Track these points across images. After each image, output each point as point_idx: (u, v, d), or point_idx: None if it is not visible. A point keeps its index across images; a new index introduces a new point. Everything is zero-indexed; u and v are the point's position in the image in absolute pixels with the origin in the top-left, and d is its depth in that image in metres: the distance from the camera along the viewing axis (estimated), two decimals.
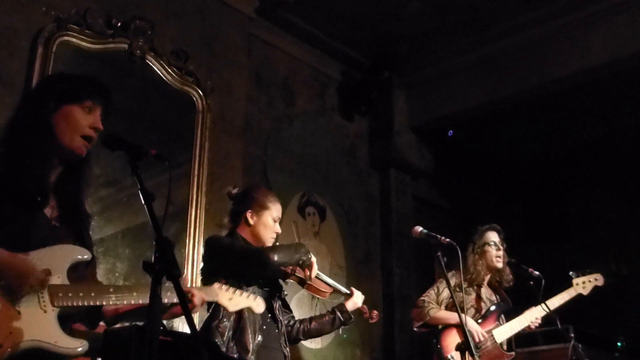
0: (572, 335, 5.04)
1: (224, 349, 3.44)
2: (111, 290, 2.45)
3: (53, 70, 4.73)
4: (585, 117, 7.84)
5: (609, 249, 8.07)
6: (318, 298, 4.39)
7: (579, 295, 4.93)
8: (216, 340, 3.47)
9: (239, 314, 3.52)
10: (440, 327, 4.65)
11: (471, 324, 4.54)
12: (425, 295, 4.76)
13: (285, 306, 3.91)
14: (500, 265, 4.82)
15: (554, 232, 9.00)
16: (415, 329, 4.76)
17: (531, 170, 8.86)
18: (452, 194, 8.72)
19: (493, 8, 6.62)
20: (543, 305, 4.67)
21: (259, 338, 3.53)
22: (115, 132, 2.52)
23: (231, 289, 2.90)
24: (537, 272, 4.71)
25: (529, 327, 4.75)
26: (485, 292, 4.84)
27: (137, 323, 3.77)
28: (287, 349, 3.73)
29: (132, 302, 2.47)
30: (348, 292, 4.04)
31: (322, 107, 7.31)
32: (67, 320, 2.41)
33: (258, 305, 3.02)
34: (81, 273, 2.50)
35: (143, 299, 2.46)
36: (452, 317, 4.56)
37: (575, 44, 6.62)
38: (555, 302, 4.83)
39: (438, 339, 4.60)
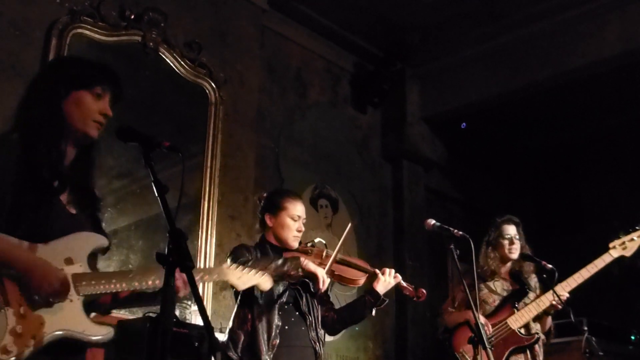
0: (586, 328, 4.99)
1: None
2: (130, 275, 2.46)
3: None
4: (599, 108, 7.79)
5: None
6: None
7: (621, 258, 4.62)
8: (230, 353, 3.51)
9: (251, 322, 3.56)
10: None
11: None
12: (444, 304, 4.85)
13: (322, 298, 3.89)
14: (514, 257, 4.79)
15: (567, 223, 8.96)
16: (440, 338, 4.80)
17: (544, 162, 8.82)
18: (465, 185, 8.70)
19: None
20: (553, 292, 4.61)
21: (276, 340, 3.55)
22: (128, 123, 2.53)
23: (239, 268, 2.89)
24: (550, 265, 4.66)
25: (555, 306, 4.59)
26: (502, 284, 4.80)
27: (150, 314, 3.82)
28: (319, 344, 3.72)
29: (152, 286, 2.48)
30: (379, 272, 3.93)
31: (334, 98, 7.30)
32: (90, 309, 2.44)
33: (265, 281, 3.01)
34: (95, 261, 2.52)
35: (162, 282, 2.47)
36: (460, 315, 4.62)
37: (589, 35, 6.58)
38: (585, 274, 4.61)
39: (450, 339, 4.61)
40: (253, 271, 2.93)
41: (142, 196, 4.99)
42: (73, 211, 2.50)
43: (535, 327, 4.69)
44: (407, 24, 6.96)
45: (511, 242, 4.79)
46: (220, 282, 5.22)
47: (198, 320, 4.74)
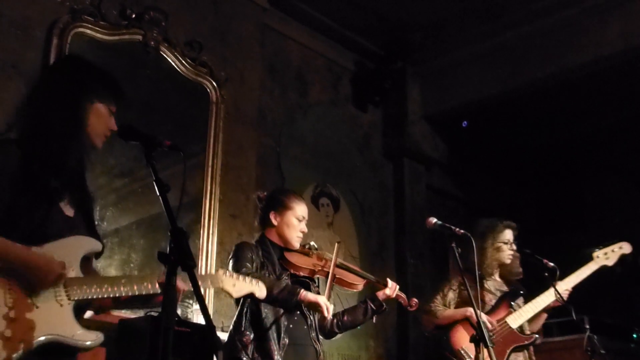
0: (588, 326, 4.99)
1: None
2: (123, 280, 2.47)
3: None
4: (600, 105, 7.78)
5: (624, 237, 8.00)
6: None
7: (604, 268, 4.77)
8: (241, 355, 3.52)
9: (259, 322, 3.57)
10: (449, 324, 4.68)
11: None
12: (432, 302, 4.82)
13: None
14: (509, 261, 4.84)
15: (569, 221, 8.96)
16: (427, 334, 4.82)
17: (545, 159, 8.82)
18: (466, 183, 8.70)
19: None
20: (554, 290, 4.63)
21: (285, 340, 3.57)
22: (129, 122, 2.53)
23: (235, 275, 2.93)
24: (551, 264, 4.67)
25: (556, 301, 4.66)
26: (494, 284, 4.83)
27: (152, 313, 3.83)
28: (319, 343, 3.77)
29: (144, 291, 2.49)
30: (381, 282, 4.05)
31: (335, 97, 7.30)
32: (80, 311, 2.44)
33: (260, 289, 3.04)
34: (88, 264, 2.52)
35: (154, 289, 2.49)
36: (458, 313, 4.62)
37: (590, 32, 6.57)
38: (572, 279, 4.72)
39: (447, 335, 4.62)
40: (248, 279, 2.97)
41: (143, 195, 4.99)
42: (70, 213, 2.49)
43: (528, 327, 4.73)
44: (408, 22, 6.96)
45: (510, 247, 4.84)
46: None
47: (200, 319, 4.75)
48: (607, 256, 4.81)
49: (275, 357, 3.50)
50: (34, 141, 2.42)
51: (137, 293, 2.48)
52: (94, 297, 2.40)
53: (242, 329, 3.59)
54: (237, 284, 2.90)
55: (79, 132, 2.48)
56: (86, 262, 2.48)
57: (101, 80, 2.59)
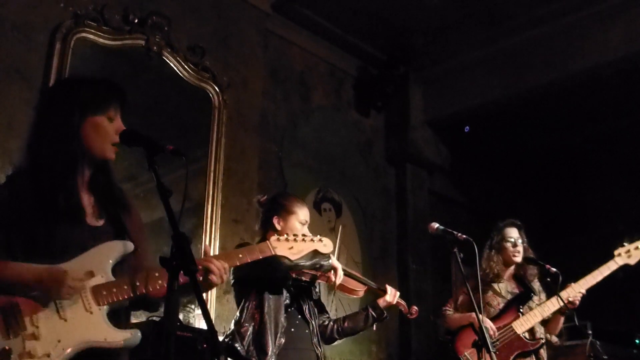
0: (590, 332, 4.97)
1: (243, 353, 3.50)
2: (157, 274, 2.43)
3: (71, 65, 4.76)
4: (602, 110, 7.78)
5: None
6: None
7: (625, 267, 4.57)
8: (236, 344, 3.53)
9: (260, 317, 3.58)
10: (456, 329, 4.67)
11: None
12: (446, 305, 4.82)
13: (320, 307, 3.96)
14: (518, 260, 4.77)
15: (572, 226, 8.94)
16: (441, 339, 4.80)
17: (548, 164, 8.81)
18: (469, 188, 8.69)
19: (510, 1, 6.58)
20: (558, 298, 4.57)
21: (281, 340, 3.58)
22: (132, 127, 2.53)
23: (291, 237, 2.78)
24: (554, 269, 4.63)
25: (571, 304, 4.51)
26: (507, 286, 4.77)
27: (154, 318, 3.82)
28: (321, 349, 3.77)
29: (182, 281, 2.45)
30: (382, 289, 4.06)
31: (338, 102, 7.30)
32: (122, 313, 2.45)
33: (325, 245, 2.88)
34: (129, 265, 2.51)
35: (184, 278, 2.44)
36: (464, 317, 4.58)
37: (593, 38, 6.57)
38: (588, 281, 4.56)
39: (453, 341, 4.60)
40: (308, 237, 2.83)
41: (145, 200, 4.98)
42: (98, 223, 2.50)
43: (540, 331, 4.67)
44: (411, 27, 6.96)
45: (514, 245, 4.78)
46: (224, 285, 5.22)
47: (202, 324, 4.74)
48: (629, 254, 4.61)
49: (269, 354, 3.51)
50: (41, 170, 2.43)
51: None
52: (126, 296, 2.38)
53: (242, 321, 3.61)
54: (295, 245, 2.76)
55: (74, 156, 2.47)
56: (124, 264, 2.47)
57: (89, 92, 2.55)
